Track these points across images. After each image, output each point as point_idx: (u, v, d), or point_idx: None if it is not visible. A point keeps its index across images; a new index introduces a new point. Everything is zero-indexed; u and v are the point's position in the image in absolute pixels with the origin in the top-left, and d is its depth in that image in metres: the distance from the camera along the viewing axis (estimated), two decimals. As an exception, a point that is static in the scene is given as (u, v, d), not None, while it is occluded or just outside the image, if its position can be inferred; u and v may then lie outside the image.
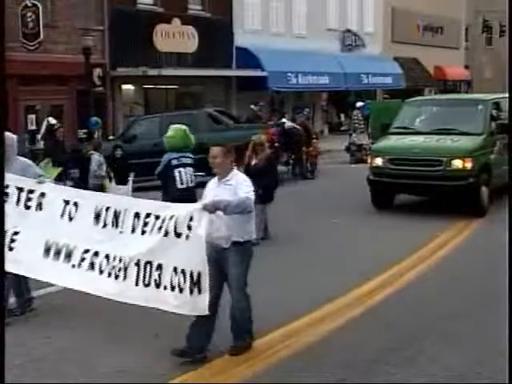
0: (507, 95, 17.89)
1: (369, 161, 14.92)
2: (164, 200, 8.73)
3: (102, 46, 26.06)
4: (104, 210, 7.20)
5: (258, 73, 30.69)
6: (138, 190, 17.55)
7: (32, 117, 23.73)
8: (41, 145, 22.63)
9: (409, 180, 13.83)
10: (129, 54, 26.38)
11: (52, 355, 6.92)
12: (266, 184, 11.41)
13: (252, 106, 25.14)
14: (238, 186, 6.74)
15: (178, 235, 6.53)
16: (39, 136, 21.99)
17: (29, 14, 22.58)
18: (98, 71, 25.29)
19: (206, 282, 6.36)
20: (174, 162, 10.04)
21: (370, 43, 39.56)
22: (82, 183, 20.11)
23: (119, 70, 26.30)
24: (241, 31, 31.67)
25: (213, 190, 6.89)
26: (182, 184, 9.97)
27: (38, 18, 22.59)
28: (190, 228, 6.46)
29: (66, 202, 7.51)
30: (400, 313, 8.02)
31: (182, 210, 6.67)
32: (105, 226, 7.17)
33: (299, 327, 7.54)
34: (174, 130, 10.37)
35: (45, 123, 22.55)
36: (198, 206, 6.60)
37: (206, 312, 6.43)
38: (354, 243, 11.81)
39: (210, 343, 6.70)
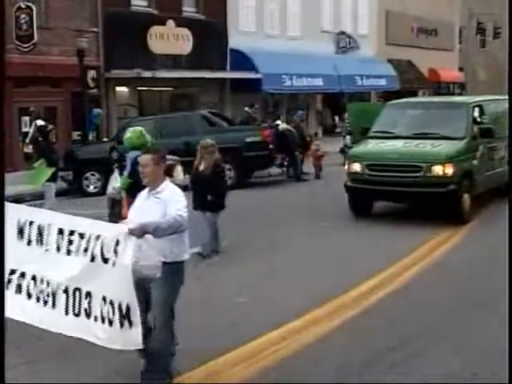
0: (493, 97, 17.64)
1: (346, 166, 14.40)
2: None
3: (96, 48, 26.03)
4: (27, 225, 6.49)
5: (252, 75, 30.68)
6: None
7: (26, 119, 23.67)
8: (29, 148, 22.57)
9: (387, 187, 13.29)
10: (123, 55, 26.34)
11: (45, 356, 6.90)
12: (215, 192, 11.18)
13: (246, 108, 25.13)
14: (169, 201, 6.05)
15: (105, 260, 5.92)
16: (27, 140, 21.95)
17: (22, 15, 22.56)
18: (92, 73, 25.29)
19: (136, 315, 5.80)
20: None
21: (364, 45, 39.59)
22: (75, 184, 20.27)
23: (113, 71, 26.27)
24: (235, 33, 31.66)
25: (142, 204, 6.28)
26: None
27: (32, 20, 22.57)
28: (116, 253, 5.86)
29: None
30: (395, 314, 8.03)
31: (108, 230, 6.04)
32: (29, 243, 6.46)
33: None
34: (131, 130, 10.69)
35: (33, 126, 22.52)
36: (124, 229, 5.92)
37: (141, 346, 5.95)
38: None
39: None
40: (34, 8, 22.67)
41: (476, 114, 14.38)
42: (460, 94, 48.95)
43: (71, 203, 18.05)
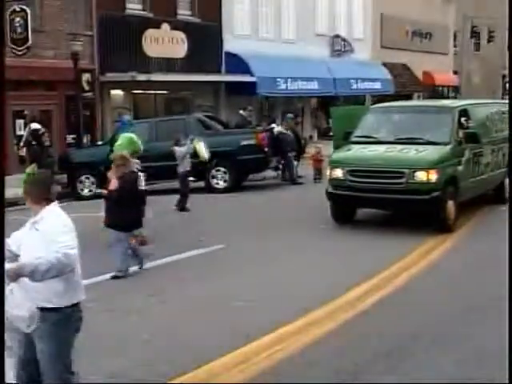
0: (480, 101, 17.42)
1: (327, 172, 13.91)
2: None
3: (90, 51, 25.98)
4: None
5: (247, 78, 30.67)
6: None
7: (20, 122, 23.62)
8: (23, 151, 22.52)
9: (369, 193, 12.83)
10: (118, 59, 26.31)
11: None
12: (130, 211, 10.29)
13: (241, 112, 25.11)
14: (50, 234, 4.84)
15: None
16: (21, 144, 21.92)
17: (17, 18, 22.50)
18: (86, 76, 25.25)
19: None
20: None
21: (359, 49, 39.63)
22: (69, 187, 20.21)
23: (108, 75, 26.23)
24: (230, 36, 31.66)
25: (23, 235, 5.10)
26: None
27: (27, 23, 22.51)
28: None
29: None
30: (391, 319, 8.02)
31: None
32: None
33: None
34: (122, 137, 10.71)
35: (27, 129, 22.49)
36: None
37: None
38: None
39: None
40: (28, 11, 22.62)
41: (461, 118, 13.97)
42: (454, 97, 49.06)
43: (65, 207, 17.99)
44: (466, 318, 7.98)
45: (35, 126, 22.39)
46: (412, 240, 12.04)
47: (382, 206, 13.62)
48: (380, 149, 13.32)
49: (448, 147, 13.10)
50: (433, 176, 12.41)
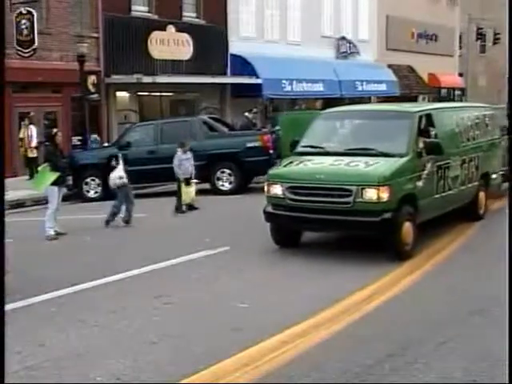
0: (451, 105, 16.15)
1: (265, 189, 11.77)
2: None
3: (96, 53, 26.08)
4: None
5: (252, 80, 30.71)
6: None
7: (26, 123, 23.68)
8: (34, 153, 22.63)
9: (312, 214, 10.93)
10: (123, 61, 26.40)
11: (46, 363, 6.88)
12: None
13: (246, 114, 25.13)
14: None
15: None
16: (33, 144, 22.02)
17: (23, 21, 22.59)
18: (92, 78, 25.34)
19: None
20: None
21: (365, 50, 39.66)
22: (75, 189, 20.27)
23: (114, 77, 26.31)
24: (235, 38, 31.70)
25: None
26: None
27: (33, 25, 22.60)
28: None
29: None
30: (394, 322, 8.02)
31: None
32: None
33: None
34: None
35: (28, 130, 22.57)
36: None
37: None
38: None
39: None
40: (34, 13, 22.72)
41: (423, 125, 12.01)
42: (460, 99, 49.06)
43: (72, 208, 18.07)
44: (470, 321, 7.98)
45: (32, 127, 22.54)
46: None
47: (327, 229, 11.71)
48: (326, 161, 11.36)
49: (404, 159, 11.10)
50: (384, 194, 10.52)
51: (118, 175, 14.94)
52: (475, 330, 7.60)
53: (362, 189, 10.56)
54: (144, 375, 6.51)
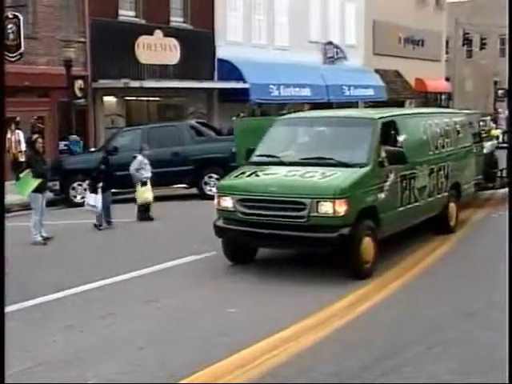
0: (416, 111, 15.64)
1: (215, 201, 11.02)
2: None
3: (83, 58, 25.98)
4: None
5: (240, 85, 30.70)
6: (118, 202, 17.55)
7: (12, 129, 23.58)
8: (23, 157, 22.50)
9: (264, 229, 10.16)
10: (110, 65, 26.31)
11: (35, 368, 6.84)
12: None
13: (234, 118, 25.11)
14: None
15: None
16: (23, 148, 21.92)
17: (10, 25, 22.47)
18: (79, 83, 25.22)
19: None
20: None
21: (352, 55, 39.74)
22: (62, 194, 20.19)
23: (101, 81, 26.21)
24: (223, 43, 31.70)
25: None
26: None
27: (19, 30, 22.49)
28: None
29: None
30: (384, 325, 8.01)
31: None
32: None
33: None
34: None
35: (16, 135, 22.46)
36: None
37: None
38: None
39: None
40: (21, 18, 22.60)
41: (386, 132, 11.21)
42: (447, 104, 49.26)
43: (58, 213, 18.00)
44: (463, 323, 7.99)
45: (19, 132, 22.42)
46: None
47: (281, 245, 10.82)
48: (280, 172, 10.66)
49: (364, 170, 10.38)
50: (341, 207, 9.77)
51: (91, 204, 15.24)
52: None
53: (317, 202, 9.82)
54: (134, 378, 6.50)
